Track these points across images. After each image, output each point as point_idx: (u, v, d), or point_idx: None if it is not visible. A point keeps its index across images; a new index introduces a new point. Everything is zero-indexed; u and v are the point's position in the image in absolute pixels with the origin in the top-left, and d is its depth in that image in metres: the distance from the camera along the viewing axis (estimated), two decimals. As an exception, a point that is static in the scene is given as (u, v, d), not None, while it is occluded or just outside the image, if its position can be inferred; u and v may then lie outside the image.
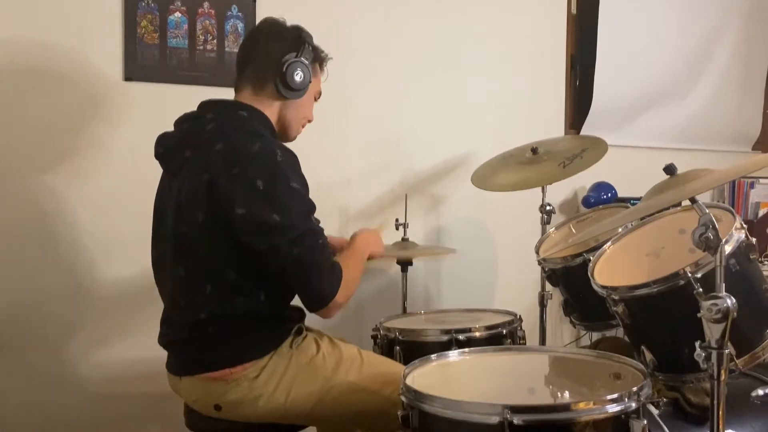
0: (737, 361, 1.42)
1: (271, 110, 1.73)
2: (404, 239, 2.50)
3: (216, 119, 1.66)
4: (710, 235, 1.25)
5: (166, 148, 1.72)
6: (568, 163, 2.32)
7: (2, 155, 2.12)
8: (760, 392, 1.65)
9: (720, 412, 1.28)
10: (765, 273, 1.55)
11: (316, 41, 1.80)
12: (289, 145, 1.68)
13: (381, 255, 1.86)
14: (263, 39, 1.74)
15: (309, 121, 1.84)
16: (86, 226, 2.22)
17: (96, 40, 2.23)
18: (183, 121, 1.73)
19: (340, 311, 1.64)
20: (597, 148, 2.35)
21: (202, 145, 1.62)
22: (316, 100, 1.85)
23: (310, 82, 1.72)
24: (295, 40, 1.72)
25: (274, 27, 1.76)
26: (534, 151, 2.42)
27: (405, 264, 2.48)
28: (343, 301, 1.62)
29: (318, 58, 1.78)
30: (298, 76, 1.68)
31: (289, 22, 1.77)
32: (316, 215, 1.64)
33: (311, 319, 1.85)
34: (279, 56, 1.68)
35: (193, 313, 1.62)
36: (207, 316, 1.61)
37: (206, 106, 1.72)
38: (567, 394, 1.49)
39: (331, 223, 2.64)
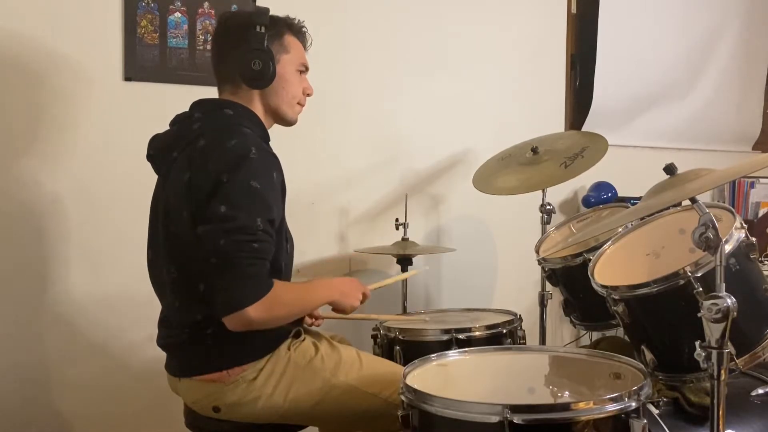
0: (737, 361, 1.42)
1: (254, 104, 1.70)
2: (404, 239, 2.50)
3: (202, 118, 1.66)
4: (710, 234, 1.25)
5: (156, 149, 1.72)
6: (569, 164, 2.31)
7: (1, 154, 2.12)
8: (760, 392, 1.65)
9: (720, 412, 1.27)
10: (765, 273, 1.55)
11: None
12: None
13: (351, 308, 1.72)
14: (220, 38, 1.72)
15: (308, 95, 1.77)
16: (85, 226, 2.22)
17: (96, 40, 2.23)
18: (174, 123, 1.73)
19: (248, 328, 1.48)
20: (597, 146, 2.34)
21: (187, 144, 1.61)
22: (303, 73, 1.76)
23: (272, 62, 1.64)
24: (243, 28, 1.63)
25: (224, 22, 1.73)
26: (534, 150, 2.41)
27: (405, 263, 2.48)
28: (258, 319, 1.46)
29: (281, 33, 1.69)
30: (256, 65, 1.62)
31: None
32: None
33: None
34: (234, 52, 1.65)
35: (190, 315, 1.61)
36: (204, 317, 1.59)
37: (195, 106, 1.71)
38: (567, 393, 1.49)
39: (331, 223, 2.64)
